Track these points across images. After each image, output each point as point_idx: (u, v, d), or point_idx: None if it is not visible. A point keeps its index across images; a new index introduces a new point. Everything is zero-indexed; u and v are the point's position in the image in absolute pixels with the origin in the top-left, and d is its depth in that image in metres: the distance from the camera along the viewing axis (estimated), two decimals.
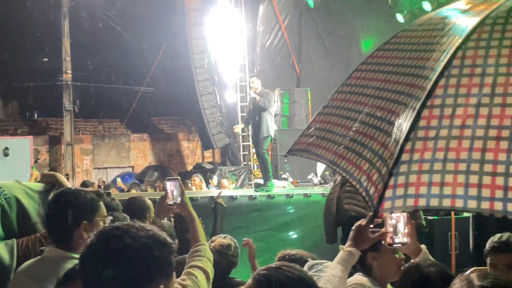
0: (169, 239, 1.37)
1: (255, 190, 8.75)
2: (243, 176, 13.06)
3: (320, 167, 11.21)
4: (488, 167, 1.55)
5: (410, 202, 1.59)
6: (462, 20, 1.96)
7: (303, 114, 12.70)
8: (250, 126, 8.89)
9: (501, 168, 1.54)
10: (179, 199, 2.84)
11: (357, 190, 1.85)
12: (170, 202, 2.86)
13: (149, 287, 1.29)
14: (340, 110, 2.18)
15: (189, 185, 10.48)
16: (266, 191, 8.35)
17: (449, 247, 6.59)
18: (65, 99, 15.96)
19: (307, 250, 7.19)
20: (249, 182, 12.36)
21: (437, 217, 6.79)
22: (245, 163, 13.70)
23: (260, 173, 9.94)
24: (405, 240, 2.12)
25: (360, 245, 2.28)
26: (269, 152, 11.87)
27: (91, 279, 1.28)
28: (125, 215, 3.74)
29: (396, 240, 2.12)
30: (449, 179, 1.58)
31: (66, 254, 2.16)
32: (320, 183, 10.38)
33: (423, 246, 2.32)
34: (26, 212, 2.61)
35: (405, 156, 1.63)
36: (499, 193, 1.52)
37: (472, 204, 1.54)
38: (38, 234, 2.59)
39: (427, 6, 12.36)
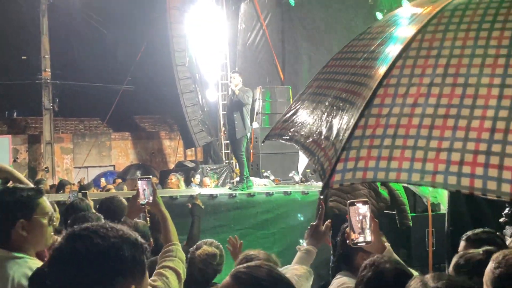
0: (140, 239, 1.34)
1: (229, 189, 8.73)
2: (225, 174, 13.04)
3: (302, 165, 11.24)
4: (434, 143, 1.61)
5: (359, 175, 1.65)
6: (421, 13, 2.04)
7: (284, 112, 12.71)
8: (226, 124, 8.79)
9: (445, 144, 1.60)
10: (151, 198, 2.82)
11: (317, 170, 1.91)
12: (141, 201, 2.84)
13: None
14: (313, 96, 2.29)
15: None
16: (241, 189, 8.35)
17: (426, 243, 6.66)
18: (45, 98, 15.78)
19: (288, 247, 7.22)
20: (231, 180, 12.34)
21: (414, 214, 6.85)
22: (227, 161, 13.68)
23: None
24: (369, 238, 2.14)
25: (317, 243, 2.33)
26: (251, 150, 11.90)
27: (60, 281, 1.24)
28: (99, 214, 3.70)
29: (360, 239, 2.14)
30: (396, 153, 1.65)
31: (9, 253, 2.12)
32: (302, 181, 10.40)
33: (387, 244, 2.33)
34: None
35: (358, 132, 1.70)
36: (441, 167, 1.57)
37: (415, 177, 1.60)
38: None
39: (406, 5, 12.46)
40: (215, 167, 13.30)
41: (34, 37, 15.89)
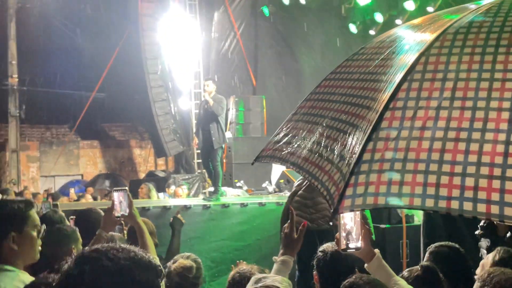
0: (154, 261, 1.27)
1: (203, 199, 8.64)
2: (197, 184, 12.91)
3: (275, 175, 11.22)
4: (446, 167, 1.60)
5: (370, 200, 1.63)
6: (423, 33, 2.06)
7: (258, 122, 12.72)
8: (200, 133, 8.65)
9: (458, 169, 1.59)
10: (127, 210, 2.73)
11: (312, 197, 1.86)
12: (117, 214, 2.75)
13: None
14: (307, 116, 2.26)
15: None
16: (215, 199, 8.26)
17: (401, 255, 6.72)
18: (11, 104, 15.39)
19: (263, 258, 7.18)
20: (203, 191, 12.21)
21: (389, 225, 6.90)
22: (199, 171, 13.54)
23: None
24: (359, 244, 2.16)
25: (292, 252, 2.35)
26: (224, 160, 11.82)
27: None
28: (74, 227, 3.57)
29: (350, 245, 2.15)
30: (408, 178, 1.63)
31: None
32: (275, 191, 10.38)
33: (376, 251, 2.33)
34: None
35: (366, 156, 1.68)
36: (456, 192, 1.56)
37: (429, 202, 1.58)
38: None
39: (378, 17, 12.65)
40: (187, 177, 13.16)
41: (1, 42, 15.47)
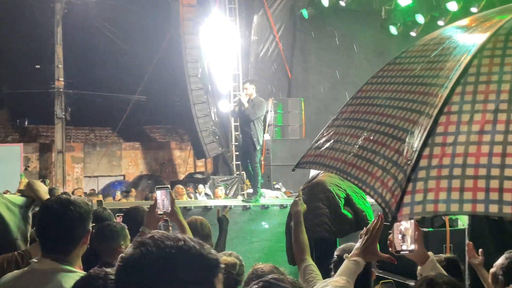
0: (208, 254, 1.23)
1: (242, 201, 8.71)
2: (235, 186, 13.01)
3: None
4: (509, 172, 1.56)
5: (430, 207, 1.59)
6: (474, 33, 2.00)
7: (297, 124, 12.71)
8: (239, 135, 8.70)
9: None
10: (169, 208, 2.80)
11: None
12: (160, 211, 2.82)
13: None
14: (350, 121, 2.19)
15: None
16: (255, 201, 8.32)
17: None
18: (57, 107, 15.87)
19: None
20: (242, 192, 12.31)
21: (432, 229, 6.78)
22: (237, 172, 13.64)
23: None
24: (412, 247, 2.11)
25: (368, 257, 2.22)
26: (262, 162, 11.87)
27: None
28: (123, 224, 3.68)
29: (404, 247, 2.10)
30: (469, 184, 1.58)
31: (60, 266, 2.06)
32: None
33: (430, 253, 2.28)
34: (7, 227, 2.53)
35: (423, 162, 1.64)
36: None
37: (493, 208, 1.54)
38: (15, 253, 2.49)
39: (420, 18, 12.46)
40: (225, 178, 13.28)
41: (48, 46, 16.02)
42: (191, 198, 11.22)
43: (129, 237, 3.43)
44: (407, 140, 1.76)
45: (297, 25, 14.30)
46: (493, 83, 1.71)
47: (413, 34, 12.90)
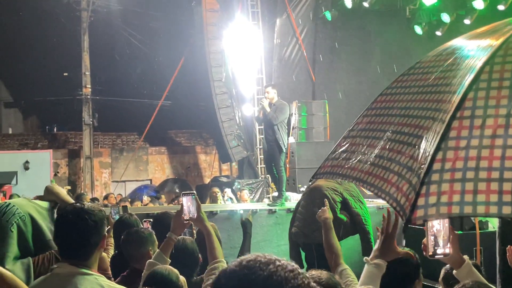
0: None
1: (268, 205, 8.72)
2: (261, 189, 13.02)
3: None
4: None
5: (444, 209, 1.62)
6: (485, 42, 2.02)
7: (321, 126, 12.64)
8: (263, 139, 8.71)
9: None
10: (195, 214, 2.83)
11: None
12: (186, 217, 2.85)
13: None
14: (365, 132, 2.23)
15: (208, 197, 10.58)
16: (280, 204, 8.32)
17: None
18: (85, 113, 16.17)
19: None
20: (267, 195, 12.32)
21: (461, 232, 6.68)
22: (263, 176, 13.65)
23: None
24: (447, 250, 2.07)
25: (388, 256, 2.21)
26: (287, 165, 11.86)
27: None
28: (150, 230, 3.72)
29: (438, 251, 2.06)
30: (482, 186, 1.61)
31: (78, 270, 2.14)
32: None
33: (466, 257, 2.25)
34: (40, 229, 2.62)
35: (436, 166, 1.66)
36: None
37: (506, 210, 1.57)
38: (52, 251, 2.60)
39: (445, 17, 12.30)
40: (251, 182, 13.30)
41: (75, 54, 16.35)
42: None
43: (157, 242, 3.48)
44: (421, 145, 1.79)
45: (320, 27, 14.26)
46: (504, 89, 1.74)
47: (438, 33, 12.73)
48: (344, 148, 2.31)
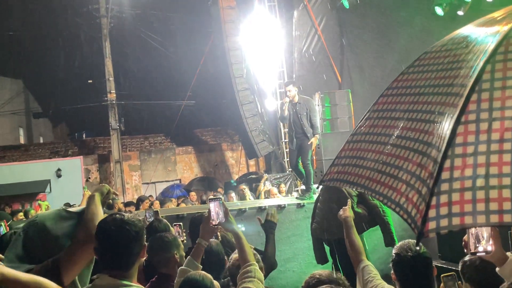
0: None
1: (296, 198, 8.70)
2: (289, 183, 13.02)
3: None
4: None
5: (456, 221, 1.56)
6: (485, 36, 1.93)
7: (346, 116, 12.54)
8: (293, 137, 8.70)
9: None
10: (223, 219, 2.85)
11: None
12: (214, 223, 2.87)
13: None
14: (369, 136, 2.15)
15: (232, 195, 10.62)
16: (308, 198, 8.29)
17: (510, 245, 6.35)
18: (111, 118, 16.42)
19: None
20: (296, 189, 12.31)
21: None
22: (290, 169, 13.64)
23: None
24: (489, 248, 2.03)
25: None
26: (314, 157, 11.82)
27: None
28: (174, 234, 3.75)
29: (480, 248, 2.03)
30: (493, 194, 1.55)
31: (118, 282, 2.15)
32: None
33: (509, 254, 2.19)
34: (51, 239, 2.52)
35: (445, 175, 1.60)
36: None
37: None
38: (49, 261, 2.46)
39: None
40: (278, 176, 13.30)
41: (98, 61, 16.60)
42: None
43: (182, 246, 3.50)
44: (428, 153, 1.73)
45: (338, 16, 14.09)
46: (508, 89, 1.65)
47: (460, 13, 12.41)
48: (349, 153, 2.25)
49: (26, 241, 2.49)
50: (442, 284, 2.78)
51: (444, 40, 2.17)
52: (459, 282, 2.72)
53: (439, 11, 12.91)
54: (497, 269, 2.19)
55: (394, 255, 2.74)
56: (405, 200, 1.73)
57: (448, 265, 5.70)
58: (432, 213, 1.57)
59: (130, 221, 2.22)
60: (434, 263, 5.38)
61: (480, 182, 1.57)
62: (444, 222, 1.56)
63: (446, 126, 1.69)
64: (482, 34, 1.95)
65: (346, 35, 14.11)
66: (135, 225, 2.22)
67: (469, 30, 2.10)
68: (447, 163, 1.61)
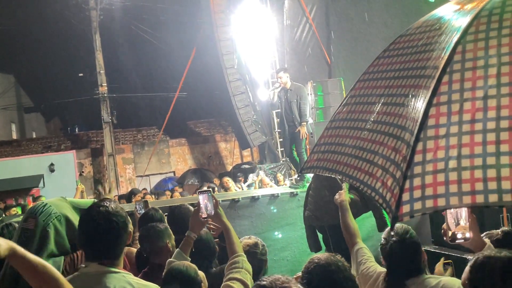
0: None
1: (289, 186, 8.69)
2: (283, 172, 13.03)
3: None
4: (504, 159, 1.52)
5: (429, 203, 1.55)
6: (457, 17, 1.92)
7: (338, 104, 12.49)
8: (285, 124, 8.68)
9: None
10: (212, 211, 2.85)
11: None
12: (204, 215, 2.87)
13: None
14: (347, 122, 2.16)
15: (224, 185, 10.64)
16: (302, 186, 8.28)
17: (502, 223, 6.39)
18: (103, 111, 16.35)
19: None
20: (290, 178, 12.32)
21: None
22: (283, 159, 13.65)
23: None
24: (468, 235, 2.08)
25: None
26: (308, 146, 11.82)
27: None
28: (165, 224, 3.74)
29: (458, 235, 2.08)
30: (466, 175, 1.55)
31: (106, 268, 2.16)
32: None
33: (487, 240, 2.25)
34: (74, 229, 2.64)
35: (417, 157, 1.60)
36: None
37: (493, 198, 1.51)
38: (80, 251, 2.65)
39: None
40: (272, 165, 13.31)
41: (88, 54, 16.50)
42: (240, 188, 11.34)
43: (173, 236, 3.50)
44: (402, 136, 1.72)
45: (329, 4, 14.04)
46: (479, 69, 1.64)
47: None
48: (327, 140, 2.25)
49: (56, 236, 2.59)
50: (436, 269, 2.80)
51: (419, 22, 2.16)
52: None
53: None
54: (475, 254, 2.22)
55: (382, 239, 2.76)
56: (380, 184, 1.72)
57: (441, 250, 5.73)
58: (405, 196, 1.57)
59: (115, 212, 2.21)
60: (427, 248, 5.39)
61: (452, 163, 1.57)
62: (417, 205, 1.56)
63: (418, 108, 1.68)
64: (455, 15, 1.93)
65: (338, 23, 14.07)
66: (121, 215, 2.22)
67: (443, 11, 2.09)
68: (420, 146, 1.60)
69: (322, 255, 2.98)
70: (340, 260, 2.81)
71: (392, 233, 2.66)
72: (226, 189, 10.59)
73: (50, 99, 18.26)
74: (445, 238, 2.14)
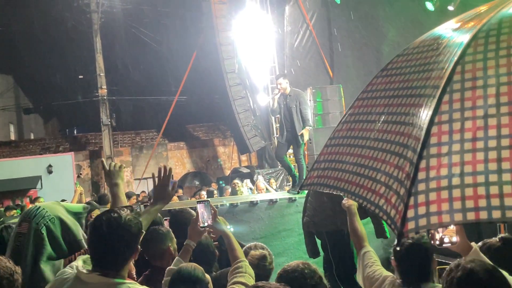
0: None
1: (288, 192, 8.69)
2: (281, 177, 13.05)
3: None
4: (506, 176, 1.56)
5: (434, 219, 1.59)
6: (455, 37, 1.97)
7: (337, 111, 12.56)
8: (284, 130, 8.68)
9: None
10: (209, 221, 2.89)
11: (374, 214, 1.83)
12: (202, 224, 2.91)
13: None
14: (347, 140, 2.19)
15: (229, 191, 10.63)
16: (302, 192, 8.28)
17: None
18: (102, 114, 16.35)
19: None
20: (288, 183, 12.34)
21: None
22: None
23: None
24: (454, 239, 2.16)
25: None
26: (306, 152, 11.84)
27: None
28: (167, 227, 3.76)
29: (446, 240, 2.15)
30: (469, 192, 1.58)
31: (111, 280, 2.09)
32: None
33: (473, 244, 2.29)
34: (70, 230, 2.66)
35: (421, 175, 1.63)
36: None
37: (496, 214, 1.54)
38: (83, 250, 2.63)
39: None
40: (271, 171, 13.34)
41: (89, 56, 16.52)
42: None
43: (175, 239, 3.52)
44: (404, 154, 1.76)
45: (330, 11, 14.12)
46: (479, 88, 1.69)
47: (450, 8, 12.48)
48: (327, 157, 2.27)
49: (50, 238, 2.56)
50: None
51: (415, 42, 2.22)
52: None
53: (429, 6, 12.98)
54: (463, 258, 2.25)
55: (396, 241, 2.78)
56: (384, 201, 1.76)
57: (445, 259, 5.75)
58: (410, 213, 1.60)
59: (127, 223, 2.12)
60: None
61: (455, 180, 1.61)
62: (422, 222, 1.59)
63: (420, 127, 1.72)
64: (452, 36, 1.99)
65: (338, 30, 14.13)
66: (133, 227, 2.13)
67: (440, 31, 2.14)
68: (423, 164, 1.64)
69: (293, 262, 3.01)
70: (308, 268, 2.82)
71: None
72: (234, 192, 10.61)
73: (49, 100, 18.26)
74: (432, 242, 2.20)
